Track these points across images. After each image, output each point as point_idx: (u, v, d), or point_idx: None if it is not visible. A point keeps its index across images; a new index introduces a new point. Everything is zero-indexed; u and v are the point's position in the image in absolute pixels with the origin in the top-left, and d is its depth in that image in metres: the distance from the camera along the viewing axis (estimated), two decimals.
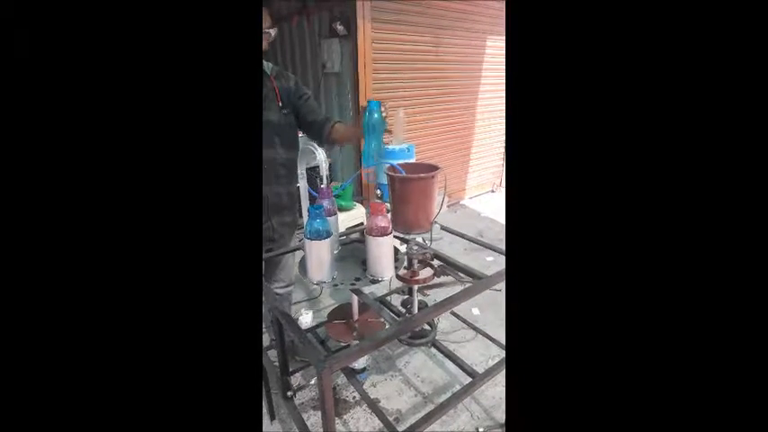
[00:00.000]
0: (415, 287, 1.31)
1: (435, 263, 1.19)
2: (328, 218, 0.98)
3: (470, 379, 1.27)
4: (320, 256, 0.93)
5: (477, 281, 1.05)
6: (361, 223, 2.26)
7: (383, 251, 0.94)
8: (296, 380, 1.56)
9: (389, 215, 1.04)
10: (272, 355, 1.40)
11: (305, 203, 1.37)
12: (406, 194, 1.20)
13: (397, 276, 1.07)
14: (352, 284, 0.96)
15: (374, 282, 0.97)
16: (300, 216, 1.43)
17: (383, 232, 0.92)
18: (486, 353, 1.75)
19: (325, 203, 1.00)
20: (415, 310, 1.39)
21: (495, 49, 3.73)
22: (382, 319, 1.19)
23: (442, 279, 1.17)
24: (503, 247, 1.27)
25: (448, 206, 1.24)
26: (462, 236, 1.39)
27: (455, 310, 1.67)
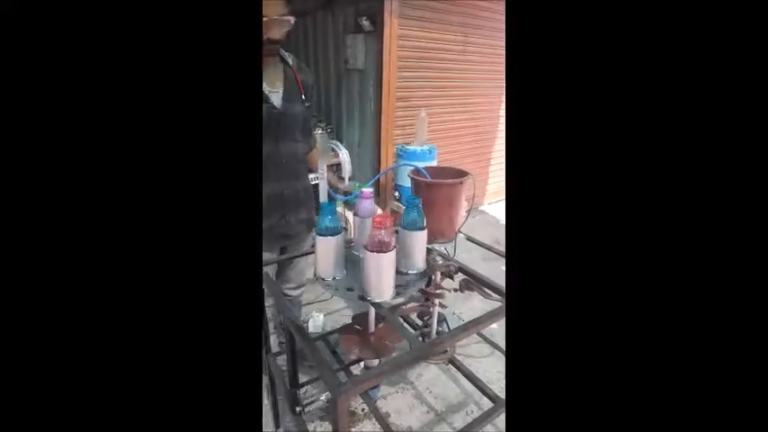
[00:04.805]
0: (436, 301, 1.23)
1: (459, 276, 1.11)
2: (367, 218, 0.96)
3: (487, 401, 1.19)
4: (328, 252, 0.90)
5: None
6: None
7: (383, 270, 0.83)
8: (304, 389, 1.49)
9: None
10: (280, 360, 1.33)
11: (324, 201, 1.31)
12: (431, 201, 1.12)
13: (420, 290, 0.99)
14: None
15: (363, 299, 0.88)
16: (317, 214, 1.36)
17: (385, 248, 0.81)
18: (504, 370, 1.66)
19: (367, 204, 0.99)
20: (435, 324, 1.31)
21: None
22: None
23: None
24: None
25: (466, 211, 1.18)
26: (489, 248, 1.30)
27: None
